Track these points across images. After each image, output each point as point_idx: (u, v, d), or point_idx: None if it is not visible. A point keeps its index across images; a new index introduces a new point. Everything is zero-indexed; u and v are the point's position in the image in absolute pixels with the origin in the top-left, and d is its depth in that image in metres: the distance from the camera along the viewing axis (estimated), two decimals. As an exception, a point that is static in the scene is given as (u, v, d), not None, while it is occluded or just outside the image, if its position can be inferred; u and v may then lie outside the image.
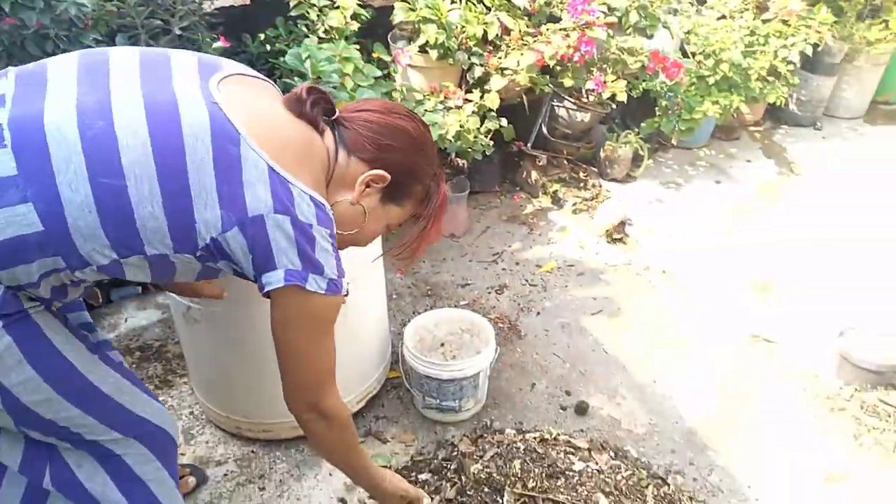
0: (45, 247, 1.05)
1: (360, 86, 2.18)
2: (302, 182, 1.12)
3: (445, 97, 3.04)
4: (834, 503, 2.05)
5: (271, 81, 1.32)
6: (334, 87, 2.05)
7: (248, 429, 2.19)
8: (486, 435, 2.21)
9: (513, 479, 1.89)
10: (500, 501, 1.82)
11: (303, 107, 1.19)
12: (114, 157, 1.04)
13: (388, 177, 1.25)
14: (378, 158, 1.24)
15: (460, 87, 3.25)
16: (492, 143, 3.13)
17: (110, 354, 1.37)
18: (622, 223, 3.55)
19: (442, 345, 2.49)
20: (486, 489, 1.87)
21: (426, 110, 2.78)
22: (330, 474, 2.12)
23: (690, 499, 2.03)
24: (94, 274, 1.14)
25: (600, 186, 3.98)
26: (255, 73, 1.28)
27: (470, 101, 3.09)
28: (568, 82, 3.35)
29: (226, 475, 2.11)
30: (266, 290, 1.14)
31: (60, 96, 1.07)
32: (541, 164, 3.86)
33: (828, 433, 2.31)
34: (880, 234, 3.57)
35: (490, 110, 3.15)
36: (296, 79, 2.08)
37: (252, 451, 2.21)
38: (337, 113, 1.25)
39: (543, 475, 1.89)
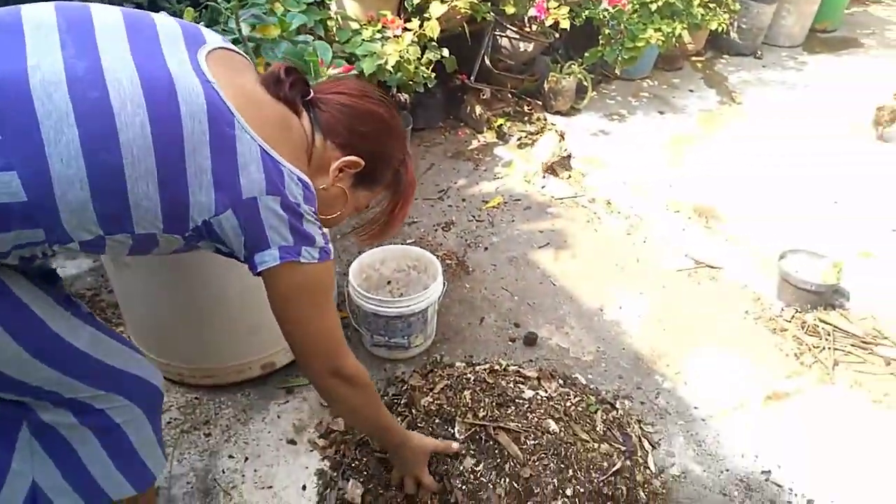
0: (26, 218, 0.97)
1: (290, 11, 2.07)
2: (289, 162, 1.12)
3: (383, 26, 2.93)
4: (777, 421, 2.13)
5: (247, 57, 1.28)
6: (264, 13, 1.94)
7: (190, 375, 2.14)
8: (436, 369, 2.21)
9: (463, 409, 1.89)
10: (452, 431, 1.83)
11: (282, 88, 1.17)
12: (111, 133, 0.97)
13: (362, 163, 1.25)
14: (352, 144, 1.24)
15: (399, 15, 3.14)
16: (433, 75, 3.05)
17: (80, 307, 1.29)
18: (567, 156, 3.54)
19: (389, 282, 2.46)
20: (437, 420, 1.88)
21: (363, 40, 2.68)
22: (278, 416, 2.09)
23: (638, 422, 2.07)
24: (73, 249, 1.07)
25: (545, 120, 3.95)
26: (232, 46, 1.23)
27: (409, 30, 2.99)
28: (510, 9, 3.27)
29: (169, 423, 2.06)
30: (260, 269, 1.14)
31: (44, 54, 0.97)
32: (485, 97, 3.79)
33: (770, 353, 2.39)
34: (819, 161, 3.66)
35: (431, 40, 3.06)
36: (220, 1, 1.95)
37: (196, 398, 2.17)
38: (312, 94, 1.24)
39: (493, 404, 1.91)
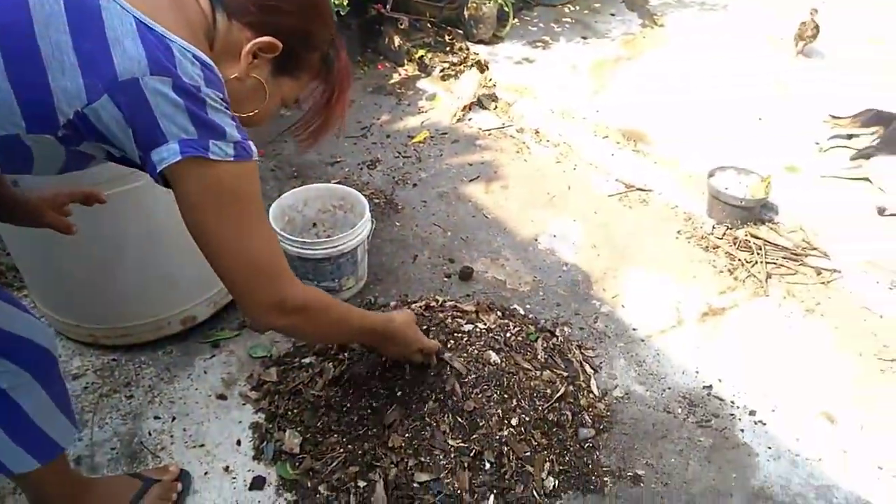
0: None
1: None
2: (181, 38, 0.91)
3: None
4: (714, 336, 2.16)
5: None
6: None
7: (104, 336, 2.00)
8: (370, 309, 2.13)
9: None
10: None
11: None
12: None
13: (279, 45, 1.03)
14: (265, 22, 1.02)
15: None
16: (346, 2, 2.89)
17: None
18: (492, 87, 3.46)
19: (314, 225, 2.35)
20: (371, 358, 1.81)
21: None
22: (205, 372, 1.99)
23: (579, 347, 2.07)
24: None
25: (467, 49, 3.84)
26: None
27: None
28: (424, -70, 3.11)
29: (86, 388, 1.94)
30: (160, 169, 0.93)
31: None
32: (403, 27, 3.65)
33: (704, 271, 2.42)
34: (742, 80, 3.69)
35: (341, -35, 2.88)
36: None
37: (113, 360, 2.04)
38: None
39: (432, 337, 1.85)
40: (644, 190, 2.83)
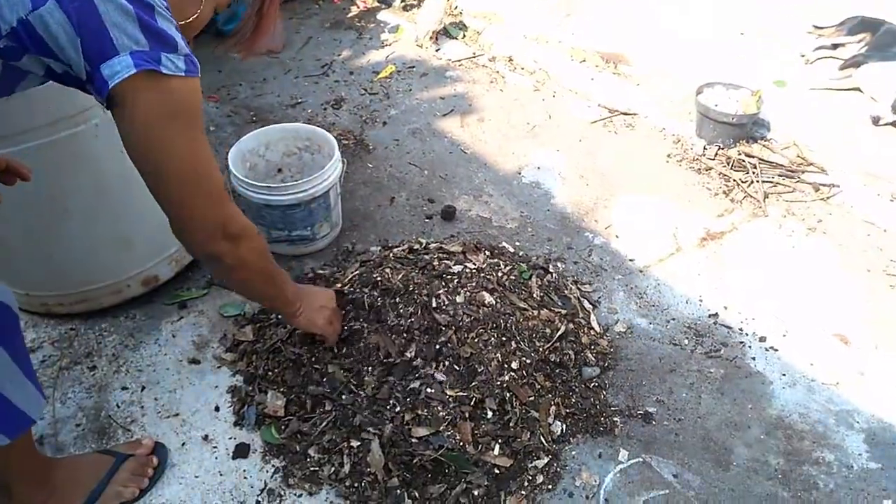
0: None
1: None
2: None
3: None
4: (715, 261, 2.08)
5: None
6: None
7: (56, 304, 1.84)
8: (349, 258, 2.00)
9: (385, 288, 1.70)
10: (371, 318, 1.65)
11: None
12: None
13: None
14: None
15: None
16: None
17: None
18: (458, 14, 3.27)
19: (279, 171, 2.20)
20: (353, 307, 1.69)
21: None
22: (173, 336, 1.85)
23: (575, 282, 1.97)
24: None
25: (429, -24, 3.61)
26: None
27: None
28: None
29: (44, 361, 1.79)
30: (111, 84, 0.89)
31: None
32: (358, -46, 3.41)
33: (698, 194, 2.33)
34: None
35: None
36: None
37: (71, 329, 1.88)
38: None
39: (418, 280, 1.73)
40: (628, 114, 2.71)
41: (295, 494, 1.49)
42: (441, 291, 1.69)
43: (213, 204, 1.10)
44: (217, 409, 1.67)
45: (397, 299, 1.66)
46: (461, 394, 1.53)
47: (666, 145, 2.55)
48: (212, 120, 2.68)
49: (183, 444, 1.61)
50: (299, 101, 2.81)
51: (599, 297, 1.95)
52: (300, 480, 1.50)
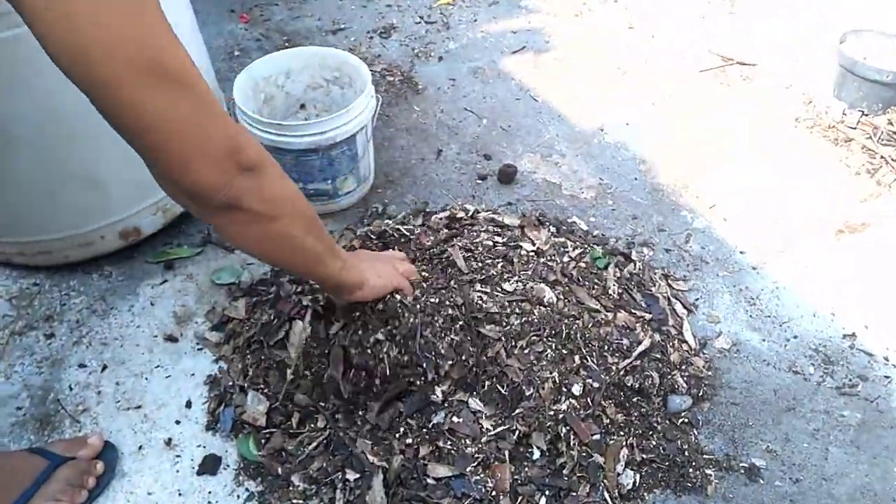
0: None
1: None
2: None
3: None
4: (855, 262, 1.64)
5: None
6: None
7: (17, 253, 1.56)
8: (377, 221, 1.64)
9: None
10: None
11: None
12: None
13: None
14: None
15: None
16: None
17: None
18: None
19: (302, 106, 1.84)
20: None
21: None
22: (151, 304, 1.54)
23: (665, 276, 1.56)
24: None
25: None
26: None
27: None
28: None
29: (-7, 322, 1.50)
30: None
31: None
32: None
33: (835, 172, 1.87)
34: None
35: None
36: None
37: (34, 285, 1.60)
38: None
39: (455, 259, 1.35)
40: (746, 64, 2.25)
41: (268, 536, 1.16)
42: (484, 279, 1.31)
43: (220, 122, 0.80)
44: (189, 404, 1.36)
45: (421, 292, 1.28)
46: (500, 425, 1.16)
47: (793, 106, 2.09)
48: (237, 43, 2.34)
49: (140, 447, 1.31)
50: (342, 26, 2.45)
51: (697, 300, 1.54)
52: (278, 516, 1.16)
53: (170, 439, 1.32)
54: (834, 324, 1.51)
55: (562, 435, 1.19)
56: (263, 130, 1.54)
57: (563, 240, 1.55)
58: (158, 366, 1.44)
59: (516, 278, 1.35)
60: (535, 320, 1.28)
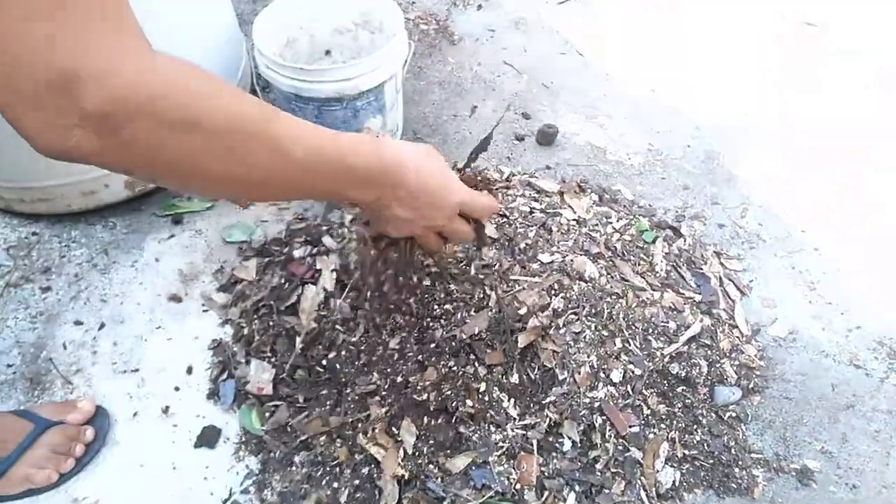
0: None
1: None
2: None
3: None
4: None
5: None
6: None
7: (17, 199, 1.50)
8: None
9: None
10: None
11: None
12: None
13: None
14: None
15: None
16: None
17: None
18: None
19: (328, 52, 1.73)
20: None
21: None
22: (156, 260, 1.47)
23: (718, 255, 1.45)
24: None
25: None
26: None
27: None
28: None
29: (-11, 272, 1.44)
30: None
31: None
32: None
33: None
34: None
35: None
36: None
37: (34, 234, 1.53)
38: None
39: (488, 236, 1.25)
40: (813, 25, 2.06)
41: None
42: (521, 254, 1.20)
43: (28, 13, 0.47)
44: (190, 370, 1.29)
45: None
46: (529, 412, 1.06)
47: (868, 71, 1.92)
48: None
49: (135, 414, 1.24)
50: (375, -31, 2.31)
51: (752, 282, 1.42)
52: (278, 497, 1.09)
53: (167, 407, 1.25)
54: (905, 314, 1.38)
55: (597, 426, 1.09)
56: (283, 75, 1.44)
57: (605, 209, 1.44)
58: (160, 327, 1.37)
59: (554, 248, 1.24)
60: (575, 296, 1.17)
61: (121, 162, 0.56)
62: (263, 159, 0.64)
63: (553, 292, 1.16)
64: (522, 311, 1.12)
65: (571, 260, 1.22)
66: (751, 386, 1.24)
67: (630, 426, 1.11)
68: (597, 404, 1.10)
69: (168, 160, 0.58)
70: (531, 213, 1.33)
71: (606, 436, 1.09)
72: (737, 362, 1.25)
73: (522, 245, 1.25)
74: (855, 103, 1.83)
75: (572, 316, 1.15)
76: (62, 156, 0.53)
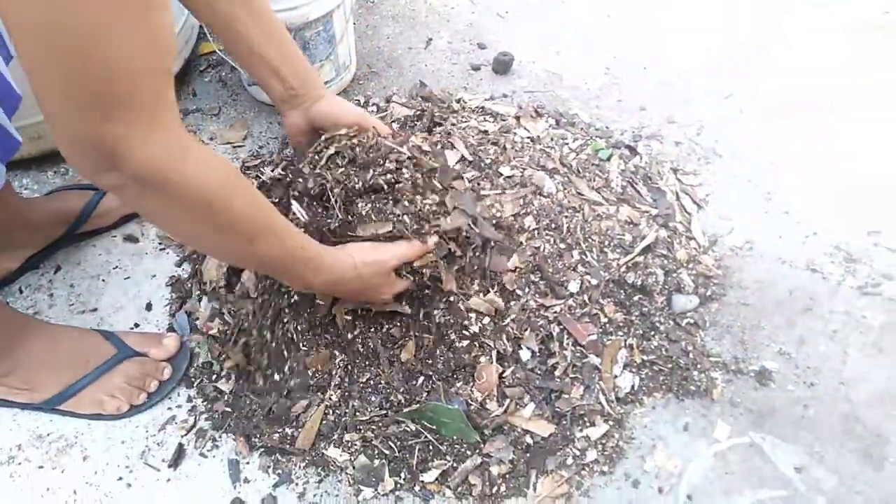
0: None
1: None
2: None
3: None
4: (888, 152, 1.51)
5: None
6: None
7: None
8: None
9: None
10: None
11: None
12: None
13: None
14: None
15: None
16: None
17: None
18: None
19: (276, -12, 1.68)
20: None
21: None
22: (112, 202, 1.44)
23: (674, 171, 1.47)
24: None
25: None
26: None
27: None
28: None
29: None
30: None
31: None
32: None
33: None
34: None
35: None
36: None
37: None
38: None
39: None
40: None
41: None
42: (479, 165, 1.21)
43: (96, 98, 0.59)
44: (149, 306, 1.30)
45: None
46: (488, 322, 1.08)
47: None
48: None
49: (95, 351, 1.22)
50: None
51: (708, 195, 1.44)
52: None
53: (127, 342, 1.24)
54: (859, 220, 1.41)
55: (554, 335, 1.11)
56: (227, 6, 1.41)
57: (562, 131, 1.45)
58: (117, 267, 1.36)
59: (512, 163, 1.25)
60: (535, 211, 1.18)
61: (133, 208, 0.77)
62: (239, 249, 0.82)
63: (522, 204, 1.17)
64: (503, 215, 1.13)
65: (531, 175, 1.23)
66: (708, 294, 1.27)
67: (589, 335, 1.13)
68: (555, 315, 1.12)
69: (159, 222, 0.85)
70: (486, 133, 1.33)
71: (564, 344, 1.11)
72: (694, 271, 1.28)
73: (487, 161, 1.25)
74: (824, 53, 1.83)
75: (533, 228, 1.16)
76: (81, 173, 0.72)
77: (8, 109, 0.89)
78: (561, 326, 1.11)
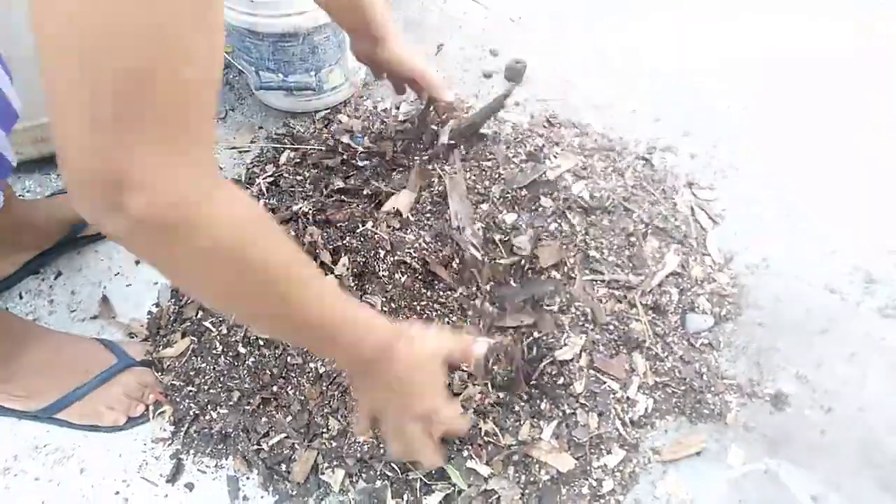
0: None
1: None
2: None
3: None
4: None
5: None
6: None
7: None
8: (370, 119, 1.52)
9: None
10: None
11: None
12: None
13: None
14: None
15: None
16: None
17: None
18: None
19: (286, -10, 1.66)
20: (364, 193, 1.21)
21: None
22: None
23: (690, 185, 1.43)
24: None
25: None
26: None
27: None
28: None
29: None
30: None
31: None
32: None
33: None
34: None
35: None
36: None
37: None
38: None
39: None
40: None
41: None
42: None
43: (100, 128, 0.48)
44: (150, 315, 1.26)
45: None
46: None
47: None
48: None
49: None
50: None
51: (724, 210, 1.41)
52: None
53: (132, 334, 1.23)
54: (878, 239, 1.38)
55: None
56: (235, 10, 1.40)
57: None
58: (119, 273, 1.34)
59: (512, 164, 1.22)
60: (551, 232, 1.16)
61: (139, 256, 0.62)
62: (273, 311, 0.66)
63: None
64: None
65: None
66: (723, 313, 1.24)
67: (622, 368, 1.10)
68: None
69: (178, 276, 0.63)
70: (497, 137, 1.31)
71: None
72: (708, 290, 1.25)
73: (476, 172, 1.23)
74: (835, 30, 1.80)
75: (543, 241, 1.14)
76: (82, 213, 0.54)
77: (6, 127, 0.86)
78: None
